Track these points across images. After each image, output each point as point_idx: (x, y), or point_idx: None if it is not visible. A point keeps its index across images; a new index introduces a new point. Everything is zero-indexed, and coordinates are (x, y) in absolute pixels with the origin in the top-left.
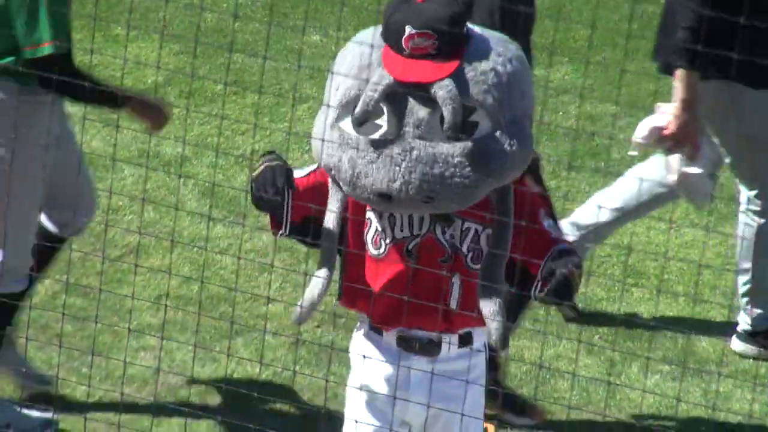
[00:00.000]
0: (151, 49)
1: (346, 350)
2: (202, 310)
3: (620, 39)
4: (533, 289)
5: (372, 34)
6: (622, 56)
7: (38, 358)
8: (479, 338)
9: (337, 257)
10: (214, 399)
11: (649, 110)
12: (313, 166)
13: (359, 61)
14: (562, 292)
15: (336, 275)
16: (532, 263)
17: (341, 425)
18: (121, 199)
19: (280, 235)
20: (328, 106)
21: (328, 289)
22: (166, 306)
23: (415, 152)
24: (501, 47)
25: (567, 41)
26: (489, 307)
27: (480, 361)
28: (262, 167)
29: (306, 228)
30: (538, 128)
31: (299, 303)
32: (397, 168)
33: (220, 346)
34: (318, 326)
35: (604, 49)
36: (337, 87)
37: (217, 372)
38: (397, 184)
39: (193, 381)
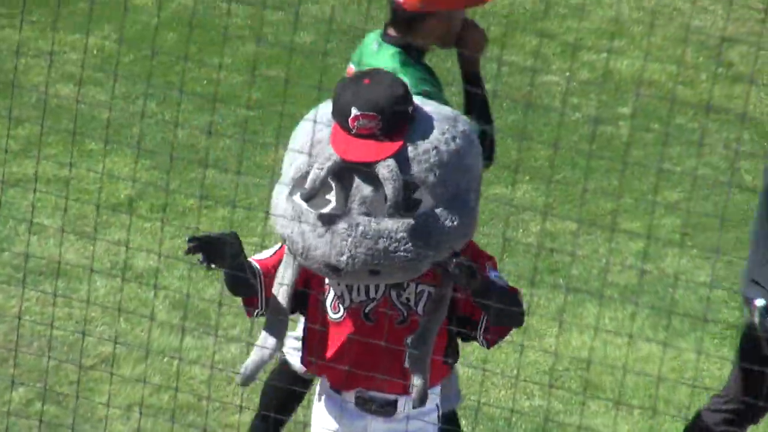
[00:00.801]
0: (124, 163)
1: None
2: (173, 419)
3: (579, 159)
4: (478, 331)
5: (323, 110)
6: (582, 175)
7: None
8: (433, 398)
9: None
10: None
11: (607, 228)
12: (278, 246)
13: (311, 137)
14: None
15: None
16: (477, 310)
17: None
18: (95, 310)
19: (257, 314)
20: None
21: (273, 358)
22: (141, 413)
23: (360, 228)
24: (446, 125)
25: (528, 160)
26: (415, 370)
27: (433, 420)
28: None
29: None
30: (500, 244)
31: (244, 365)
32: (344, 243)
33: None
34: None
35: (564, 169)
36: (291, 163)
37: None
38: (344, 258)
39: None
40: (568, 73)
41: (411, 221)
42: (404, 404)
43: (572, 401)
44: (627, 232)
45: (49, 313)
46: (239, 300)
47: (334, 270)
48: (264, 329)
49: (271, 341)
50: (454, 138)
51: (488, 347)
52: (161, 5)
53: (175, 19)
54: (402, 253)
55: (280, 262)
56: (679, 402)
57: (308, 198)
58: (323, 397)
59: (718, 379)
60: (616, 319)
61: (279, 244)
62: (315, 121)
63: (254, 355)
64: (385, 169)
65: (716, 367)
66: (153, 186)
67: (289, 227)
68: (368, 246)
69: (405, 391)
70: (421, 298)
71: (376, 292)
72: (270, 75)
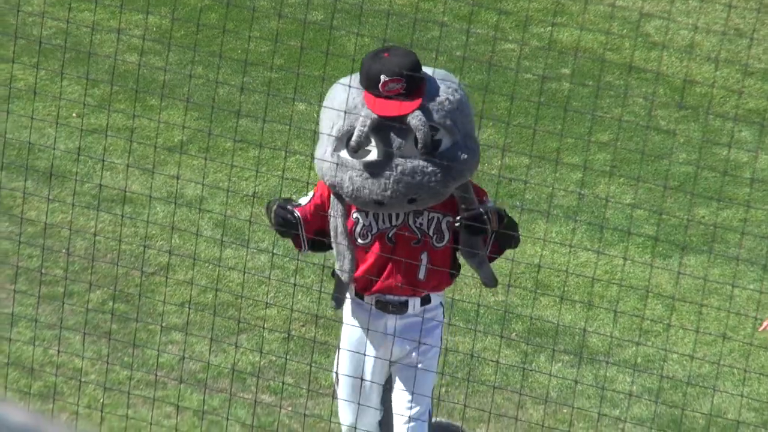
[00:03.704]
0: (177, 115)
1: (326, 344)
2: (215, 313)
3: (531, 108)
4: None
5: (351, 81)
6: (533, 121)
7: (91, 350)
8: (436, 299)
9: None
10: (224, 381)
11: (553, 162)
12: (310, 195)
13: (346, 104)
14: (476, 224)
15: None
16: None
17: (322, 402)
18: (154, 229)
19: (303, 251)
20: (332, 135)
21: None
22: (189, 309)
23: (399, 168)
24: (448, 81)
25: (491, 110)
26: (475, 263)
27: (438, 314)
28: (274, 207)
29: (319, 240)
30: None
31: (335, 293)
32: (387, 181)
33: (228, 341)
34: (303, 326)
35: (519, 116)
36: (332, 126)
37: (227, 360)
38: (388, 193)
39: (208, 367)
40: (521, 42)
41: (437, 158)
42: (413, 304)
43: (527, 297)
44: (569, 165)
45: (119, 232)
46: (267, 220)
47: (379, 204)
48: (336, 258)
49: (347, 264)
50: (456, 90)
51: (490, 262)
52: None
53: (216, 2)
54: (433, 184)
55: (315, 207)
56: (610, 297)
57: (355, 150)
58: (349, 314)
59: (641, 279)
60: (560, 233)
61: (311, 193)
62: (350, 86)
63: (338, 280)
64: (415, 119)
65: (639, 270)
66: (199, 132)
67: (338, 176)
68: (406, 181)
69: (414, 294)
70: (432, 222)
71: (397, 219)
72: (290, 45)
